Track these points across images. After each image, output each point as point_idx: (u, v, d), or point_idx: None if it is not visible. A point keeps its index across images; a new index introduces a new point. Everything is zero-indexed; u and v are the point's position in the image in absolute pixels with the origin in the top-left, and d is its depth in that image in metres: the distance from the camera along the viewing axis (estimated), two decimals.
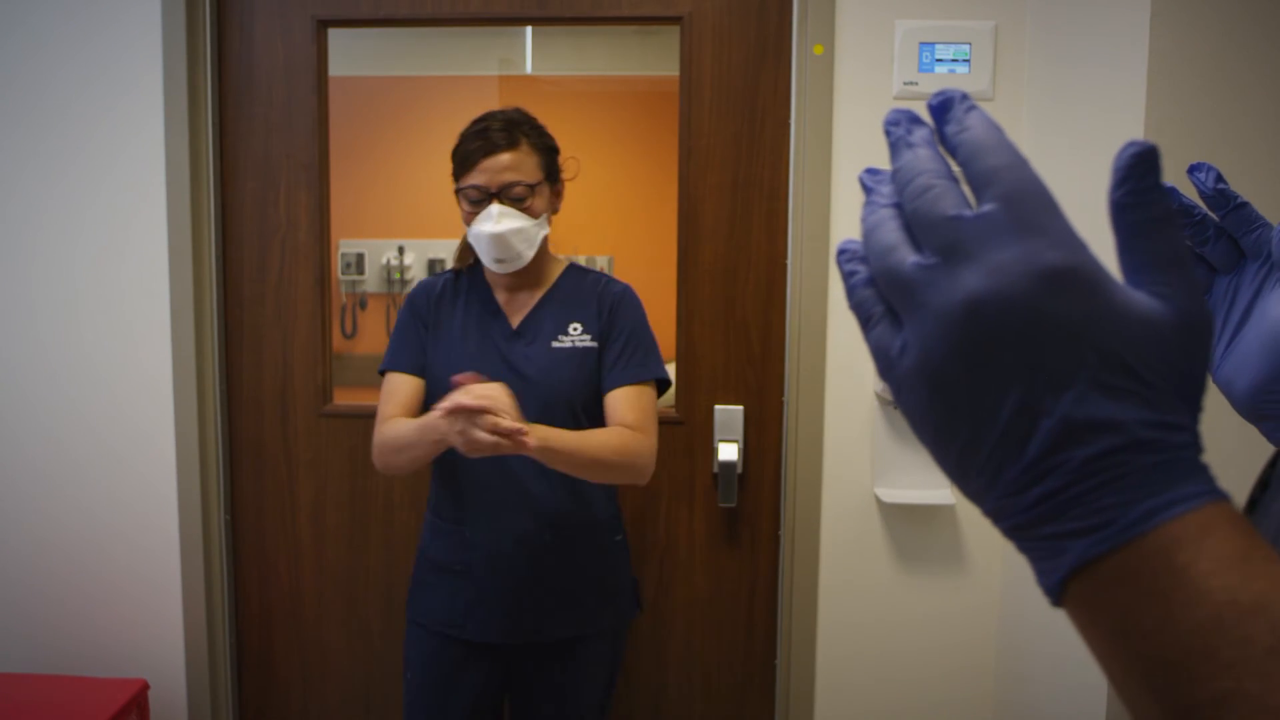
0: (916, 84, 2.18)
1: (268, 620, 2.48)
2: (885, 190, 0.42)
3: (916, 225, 0.39)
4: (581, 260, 3.70)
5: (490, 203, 1.78)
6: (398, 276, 3.41)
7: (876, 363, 0.42)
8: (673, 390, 2.38)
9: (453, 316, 1.91)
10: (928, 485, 2.24)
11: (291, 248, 2.37)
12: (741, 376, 2.32)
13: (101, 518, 2.40)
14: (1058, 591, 0.37)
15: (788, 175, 2.25)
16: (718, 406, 2.32)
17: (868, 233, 0.41)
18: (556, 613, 1.88)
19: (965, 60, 2.17)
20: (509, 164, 1.78)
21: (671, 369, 2.42)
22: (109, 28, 2.29)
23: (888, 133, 0.42)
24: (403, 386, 1.89)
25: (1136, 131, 1.71)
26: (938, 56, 2.18)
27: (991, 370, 0.37)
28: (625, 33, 3.58)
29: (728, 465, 2.27)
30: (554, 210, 1.90)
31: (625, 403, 1.81)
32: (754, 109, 2.26)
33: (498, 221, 1.77)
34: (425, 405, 1.86)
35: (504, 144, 1.78)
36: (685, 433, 2.35)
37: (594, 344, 1.85)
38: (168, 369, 2.33)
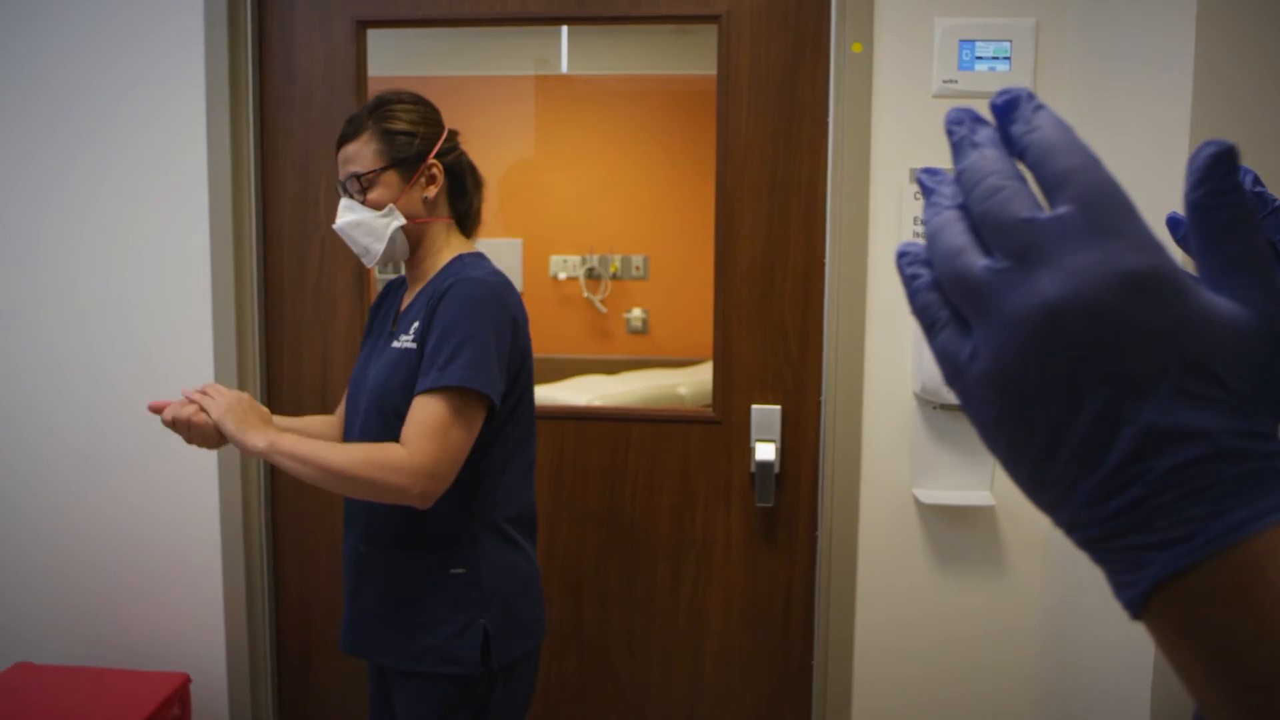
0: (956, 82, 2.16)
1: (307, 617, 2.50)
2: (948, 191, 0.41)
3: (986, 228, 0.38)
4: (616, 260, 3.73)
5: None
6: None
7: (943, 369, 0.41)
8: (710, 390, 2.38)
9: (379, 315, 1.87)
10: (967, 486, 2.22)
11: (331, 247, 2.39)
12: (779, 376, 2.31)
13: (145, 517, 2.43)
14: (1139, 605, 0.36)
15: (826, 174, 2.24)
16: (755, 406, 2.31)
17: (932, 235, 0.40)
18: (371, 633, 1.74)
19: (1006, 58, 2.15)
20: (349, 155, 1.71)
21: (707, 368, 2.42)
22: (152, 30, 2.32)
23: (950, 132, 0.41)
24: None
25: (1182, 131, 1.69)
26: (978, 54, 2.16)
27: (1069, 377, 0.36)
28: (661, 32, 3.58)
29: (765, 465, 2.26)
30: (424, 197, 1.73)
31: (411, 414, 1.58)
32: (792, 108, 2.26)
33: (340, 215, 1.72)
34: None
35: (347, 134, 1.72)
36: (722, 432, 2.34)
37: (412, 345, 1.65)
38: (210, 367, 2.36)
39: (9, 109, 2.38)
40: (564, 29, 3.56)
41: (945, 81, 2.16)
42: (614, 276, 3.78)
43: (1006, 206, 0.38)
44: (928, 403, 2.21)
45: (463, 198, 1.81)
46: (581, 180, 3.77)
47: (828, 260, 2.24)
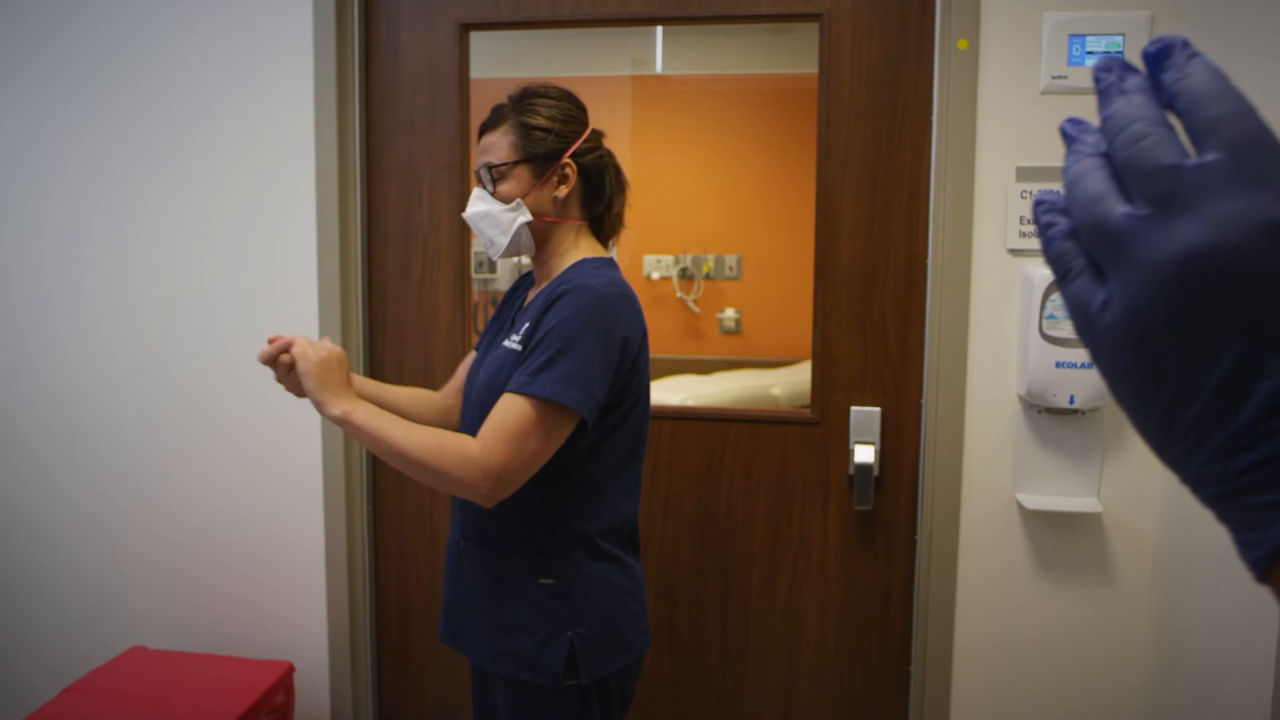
0: (1065, 78, 2.11)
1: (406, 608, 2.55)
2: (1090, 140, 0.40)
3: (1128, 174, 0.38)
4: (709, 260, 3.73)
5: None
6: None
7: (1074, 318, 0.40)
8: (804, 390, 2.36)
9: (505, 307, 1.86)
10: (1072, 492, 2.17)
11: (433, 247, 2.43)
12: (879, 378, 2.28)
13: (252, 510, 2.51)
14: (1265, 565, 0.35)
15: (929, 173, 2.21)
16: (854, 408, 2.29)
17: (1071, 182, 0.40)
18: (464, 627, 1.73)
19: (1118, 53, 2.09)
20: (487, 145, 1.69)
21: (801, 369, 2.40)
22: (263, 39, 2.39)
23: (1097, 80, 0.40)
24: (460, 365, 1.95)
25: None
26: (1088, 49, 2.10)
27: (1206, 328, 0.35)
28: (756, 31, 3.56)
29: (864, 468, 2.23)
30: (555, 196, 1.69)
31: (494, 410, 1.53)
32: (894, 106, 2.23)
33: (469, 205, 1.70)
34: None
35: (488, 124, 1.71)
36: (821, 434, 2.32)
37: (518, 347, 1.61)
38: None
39: (130, 111, 2.47)
40: (659, 29, 3.57)
41: (1054, 78, 2.11)
42: (707, 276, 3.78)
43: (1151, 153, 0.37)
44: (1032, 406, 2.16)
45: (599, 200, 1.76)
46: (675, 180, 3.77)
47: (930, 261, 2.21)
